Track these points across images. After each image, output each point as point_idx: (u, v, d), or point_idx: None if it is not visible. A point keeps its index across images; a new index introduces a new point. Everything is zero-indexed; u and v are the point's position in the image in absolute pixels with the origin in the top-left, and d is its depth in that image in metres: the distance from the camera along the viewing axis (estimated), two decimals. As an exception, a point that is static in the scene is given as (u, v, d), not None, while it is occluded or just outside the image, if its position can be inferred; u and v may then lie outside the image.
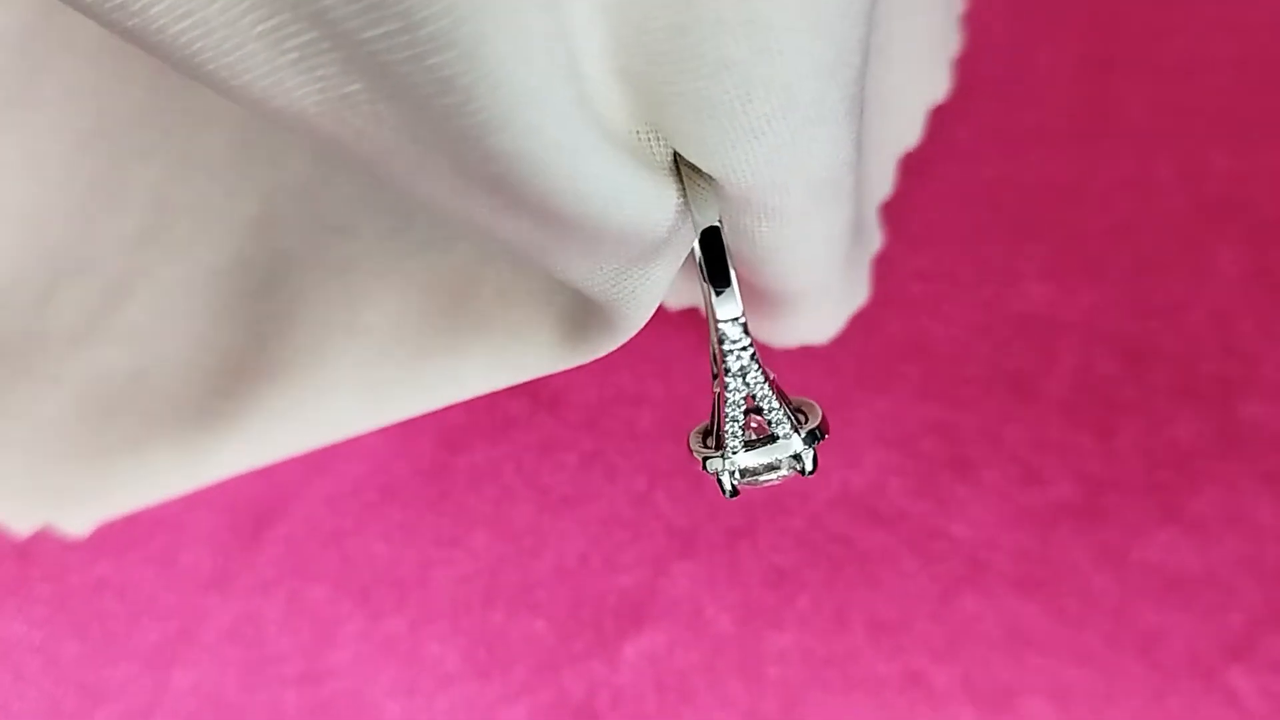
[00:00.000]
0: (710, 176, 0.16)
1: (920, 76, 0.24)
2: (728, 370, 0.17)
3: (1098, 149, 0.25)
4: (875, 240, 0.25)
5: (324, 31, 0.12)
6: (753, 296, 0.21)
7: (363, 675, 0.25)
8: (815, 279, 0.20)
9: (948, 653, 0.24)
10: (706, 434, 0.19)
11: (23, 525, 0.24)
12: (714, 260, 0.16)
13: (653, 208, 0.16)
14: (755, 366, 0.17)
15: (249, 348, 0.22)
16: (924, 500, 0.25)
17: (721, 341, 0.17)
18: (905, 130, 0.24)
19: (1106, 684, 0.24)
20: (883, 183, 0.25)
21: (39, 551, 0.25)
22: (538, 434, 0.26)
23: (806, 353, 0.24)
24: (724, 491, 0.18)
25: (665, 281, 0.18)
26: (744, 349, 0.17)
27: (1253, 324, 0.24)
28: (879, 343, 0.24)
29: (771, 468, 0.18)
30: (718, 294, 0.17)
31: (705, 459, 0.18)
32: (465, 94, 0.12)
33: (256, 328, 0.22)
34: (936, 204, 0.25)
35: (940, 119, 0.24)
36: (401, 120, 0.13)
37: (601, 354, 0.20)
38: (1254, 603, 0.24)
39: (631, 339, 0.20)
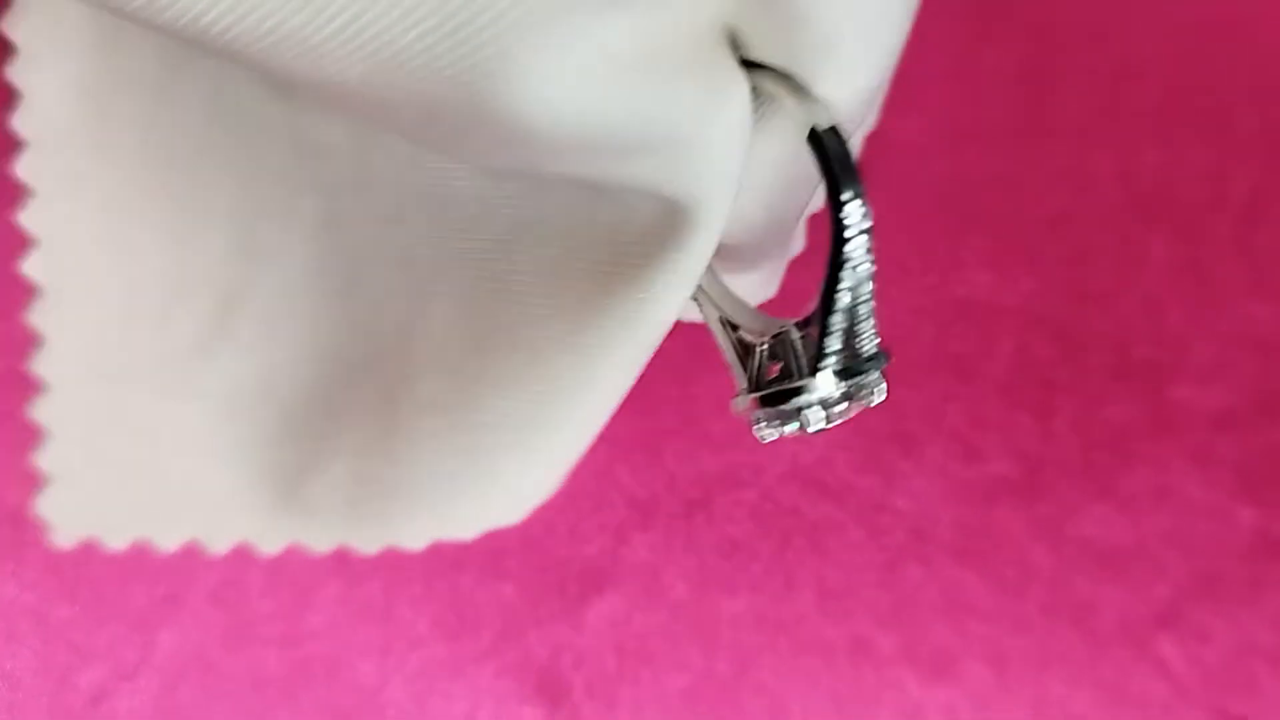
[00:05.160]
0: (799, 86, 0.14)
1: None
2: (846, 260, 0.14)
3: (1038, 145, 0.26)
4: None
5: None
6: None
7: (339, 637, 0.25)
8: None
9: (892, 619, 0.25)
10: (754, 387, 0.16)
11: (221, 546, 0.22)
12: (839, 153, 0.14)
13: (716, 98, 0.15)
14: (869, 261, 0.14)
15: (350, 347, 0.22)
16: (870, 475, 0.25)
17: (843, 219, 0.14)
18: None
19: (1042, 651, 0.25)
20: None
21: (32, 517, 0.26)
22: (508, 410, 0.27)
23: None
24: (807, 427, 0.15)
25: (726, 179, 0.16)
26: (864, 233, 0.14)
27: (1182, 311, 0.25)
28: (829, 325, 0.25)
29: (848, 396, 0.15)
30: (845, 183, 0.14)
31: (787, 395, 0.15)
32: None
33: (350, 326, 0.22)
34: (885, 196, 0.26)
35: (890, 117, 0.25)
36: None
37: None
38: (1181, 575, 0.25)
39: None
